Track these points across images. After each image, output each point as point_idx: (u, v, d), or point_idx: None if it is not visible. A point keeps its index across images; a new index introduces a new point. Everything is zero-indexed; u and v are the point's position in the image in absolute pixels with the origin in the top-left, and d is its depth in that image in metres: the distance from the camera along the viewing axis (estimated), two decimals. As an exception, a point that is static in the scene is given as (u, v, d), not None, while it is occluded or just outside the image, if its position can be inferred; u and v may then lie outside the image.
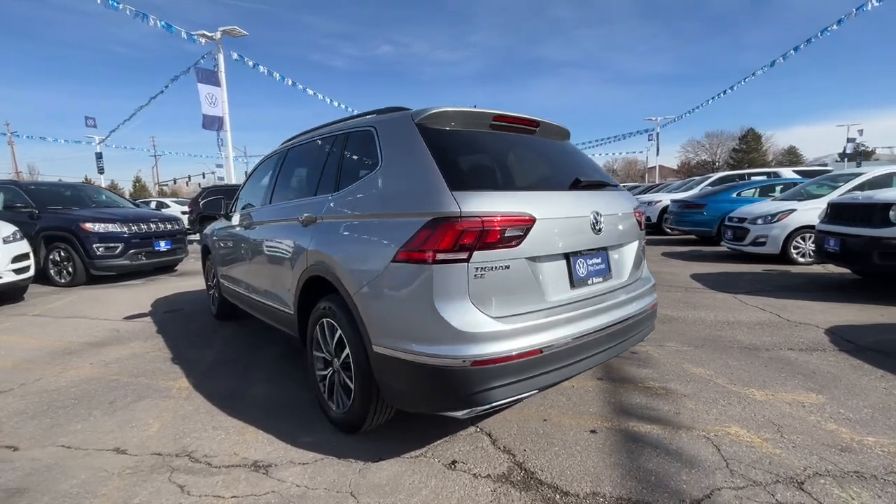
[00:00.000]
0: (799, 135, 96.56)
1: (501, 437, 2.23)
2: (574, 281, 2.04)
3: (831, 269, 6.57)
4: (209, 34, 14.23)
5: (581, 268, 2.09)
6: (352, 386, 2.17)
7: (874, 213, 4.57)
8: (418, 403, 1.92)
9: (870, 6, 13.17)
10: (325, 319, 2.35)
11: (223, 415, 2.56)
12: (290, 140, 3.41)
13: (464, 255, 1.73)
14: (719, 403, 2.51)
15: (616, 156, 65.02)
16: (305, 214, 2.56)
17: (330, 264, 2.22)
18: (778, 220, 6.88)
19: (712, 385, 2.74)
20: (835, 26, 14.35)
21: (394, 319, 1.89)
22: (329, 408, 2.40)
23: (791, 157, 62.52)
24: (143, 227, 7.13)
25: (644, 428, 2.28)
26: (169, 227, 7.58)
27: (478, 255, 1.74)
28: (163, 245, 7.34)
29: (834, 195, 6.33)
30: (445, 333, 1.74)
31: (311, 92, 18.40)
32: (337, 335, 2.25)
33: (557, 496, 1.79)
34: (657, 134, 34.50)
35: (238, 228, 3.65)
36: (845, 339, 3.48)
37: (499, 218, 1.77)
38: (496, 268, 1.77)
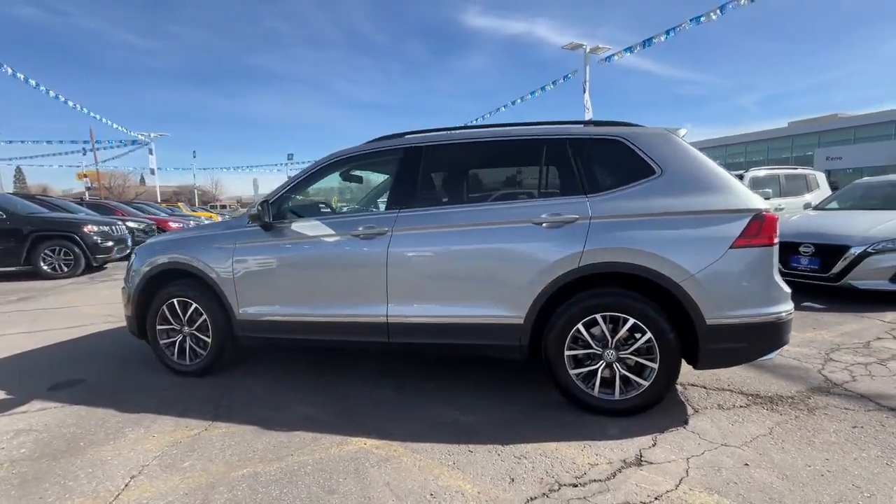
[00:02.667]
0: None
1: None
2: None
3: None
4: None
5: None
6: (654, 366, 2.42)
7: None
8: (752, 354, 2.42)
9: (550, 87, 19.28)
10: (605, 314, 2.45)
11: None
12: (404, 139, 2.99)
13: (776, 238, 2.40)
14: None
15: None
16: (556, 215, 2.52)
17: (642, 260, 2.37)
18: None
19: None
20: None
21: (735, 293, 2.33)
22: (602, 400, 2.50)
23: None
24: None
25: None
26: None
27: (775, 238, 2.44)
28: None
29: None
30: (781, 296, 2.37)
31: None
32: (627, 326, 2.43)
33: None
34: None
35: (339, 238, 2.84)
36: None
37: (771, 211, 2.51)
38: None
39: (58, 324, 4.92)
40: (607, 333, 2.48)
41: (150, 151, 27.63)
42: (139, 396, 2.96)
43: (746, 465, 2.05)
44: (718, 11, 12.13)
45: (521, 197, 2.71)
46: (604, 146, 2.65)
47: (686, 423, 2.44)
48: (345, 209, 4.48)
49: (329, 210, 3.70)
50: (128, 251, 10.02)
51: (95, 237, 8.52)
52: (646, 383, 2.45)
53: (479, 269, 2.66)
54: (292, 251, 2.98)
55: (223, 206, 48.28)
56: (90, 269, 8.76)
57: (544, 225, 2.55)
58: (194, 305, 3.18)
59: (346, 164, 3.16)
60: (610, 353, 2.49)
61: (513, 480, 1.98)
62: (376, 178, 3.87)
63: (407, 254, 2.73)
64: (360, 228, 2.83)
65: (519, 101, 20.82)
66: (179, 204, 25.31)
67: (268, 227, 3.00)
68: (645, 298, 2.44)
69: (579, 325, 2.50)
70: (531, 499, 1.85)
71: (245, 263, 3.04)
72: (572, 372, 2.54)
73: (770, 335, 2.39)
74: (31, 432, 2.51)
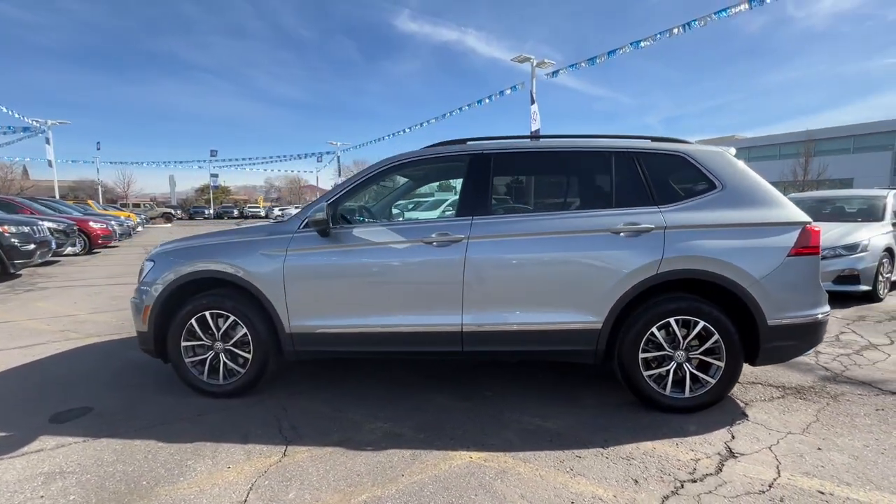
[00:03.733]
0: None
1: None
2: None
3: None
4: None
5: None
6: (721, 364, 2.63)
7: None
8: (797, 351, 2.71)
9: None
10: (678, 318, 2.62)
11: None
12: (467, 145, 2.97)
13: (820, 248, 2.73)
14: None
15: (279, 173, 65.92)
16: (634, 225, 2.65)
17: (713, 266, 2.57)
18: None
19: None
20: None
21: (791, 296, 2.60)
22: (674, 399, 2.66)
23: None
24: None
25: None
26: None
27: (819, 247, 2.76)
28: None
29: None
30: (824, 298, 2.69)
31: None
32: (698, 329, 2.62)
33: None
34: (338, 157, 38.02)
35: (410, 245, 2.73)
36: None
37: (811, 223, 2.83)
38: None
39: (3, 343, 4.16)
40: (679, 336, 2.65)
41: (48, 141, 24.14)
42: (177, 423, 2.61)
43: (819, 449, 2.31)
44: (658, 36, 13.46)
45: (590, 206, 2.80)
46: (668, 161, 2.84)
47: (746, 416, 2.68)
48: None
49: (366, 215, 3.53)
50: (49, 256, 8.71)
51: (13, 239, 7.30)
52: (713, 381, 2.66)
53: (558, 277, 2.71)
54: (356, 258, 2.81)
55: (136, 206, 43.38)
56: (5, 276, 7.47)
57: (622, 234, 2.67)
58: (231, 318, 2.88)
59: (407, 167, 3.06)
60: (680, 354, 2.67)
61: (636, 482, 2.05)
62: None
63: (484, 261, 2.71)
64: (434, 235, 2.75)
65: (466, 107, 21.28)
66: (90, 202, 22.33)
67: (326, 232, 2.81)
68: (712, 303, 2.65)
69: (654, 329, 2.65)
70: (665, 497, 1.94)
71: (299, 272, 2.81)
72: (645, 373, 2.68)
73: (813, 333, 2.72)
74: (67, 475, 2.11)
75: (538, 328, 2.70)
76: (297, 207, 30.70)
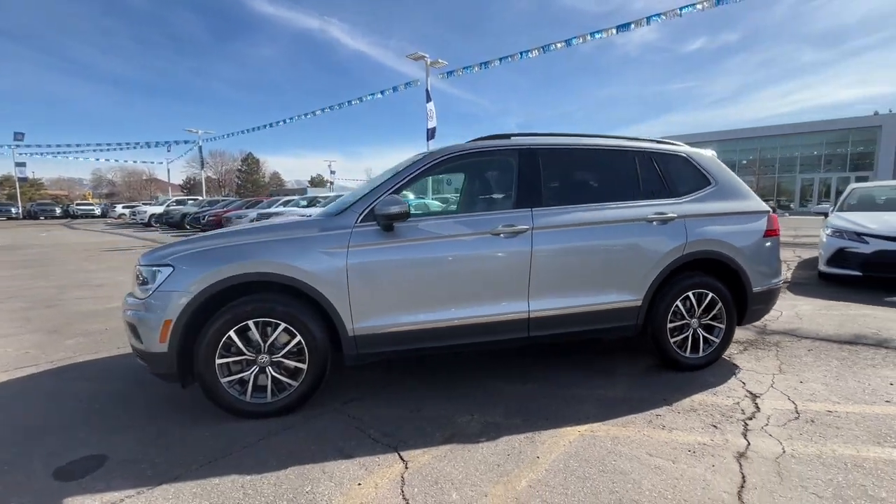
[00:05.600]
0: (282, 163, 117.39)
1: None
2: None
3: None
4: None
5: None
6: (723, 327, 3.24)
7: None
8: (764, 312, 3.44)
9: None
10: (695, 291, 3.14)
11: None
12: (511, 140, 3.10)
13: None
14: None
15: (113, 164, 55.08)
16: (661, 214, 3.07)
17: (718, 247, 3.14)
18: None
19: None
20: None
21: (765, 268, 3.30)
22: (691, 359, 3.19)
23: (276, 181, 75.77)
24: None
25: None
26: None
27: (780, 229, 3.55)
28: None
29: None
30: (781, 270, 3.48)
31: None
32: (707, 299, 3.18)
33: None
34: (200, 147, 33.24)
35: (477, 236, 2.76)
36: None
37: (774, 211, 3.62)
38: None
39: None
40: (695, 306, 3.19)
41: None
42: (244, 452, 2.24)
43: (802, 382, 3.03)
44: (521, 55, 15.48)
45: (623, 198, 3.15)
46: (675, 160, 3.36)
47: (738, 366, 3.34)
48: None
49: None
50: None
51: None
52: (717, 341, 3.26)
53: (607, 262, 3.02)
54: (426, 252, 2.73)
55: None
56: None
57: (654, 223, 3.09)
58: (282, 326, 2.55)
59: (459, 160, 3.03)
60: (695, 322, 3.21)
61: (715, 427, 2.46)
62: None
63: (548, 250, 2.88)
64: (500, 226, 2.82)
65: (357, 101, 20.77)
66: None
67: (391, 227, 2.66)
68: (714, 277, 3.25)
69: (677, 302, 3.15)
70: (744, 433, 2.38)
71: (363, 269, 2.62)
72: (672, 339, 3.16)
73: (774, 298, 3.51)
74: (162, 531, 1.69)
75: (592, 309, 2.98)
76: (170, 205, 26.21)
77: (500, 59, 15.98)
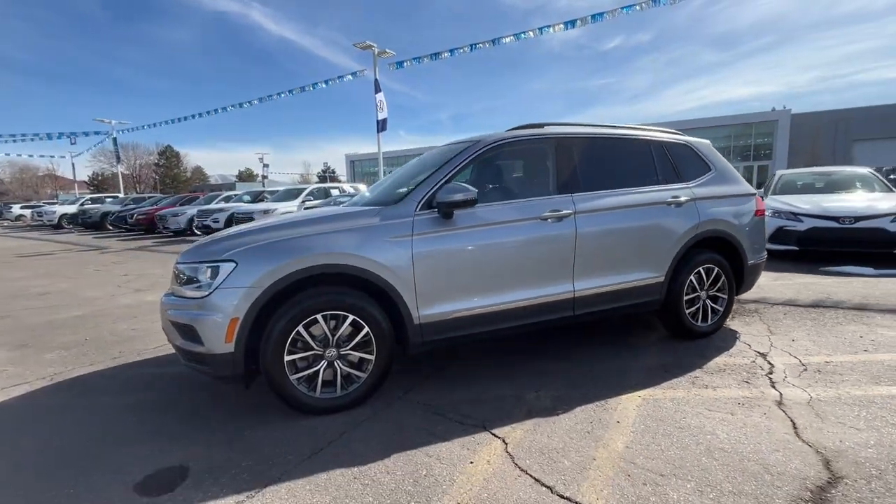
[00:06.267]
0: (205, 157, 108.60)
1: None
2: None
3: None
4: None
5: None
6: (726, 297, 3.64)
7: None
8: (752, 284, 3.87)
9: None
10: (705, 266, 3.50)
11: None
12: (545, 129, 3.25)
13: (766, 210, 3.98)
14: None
15: (4, 157, 47.85)
16: (676, 198, 3.37)
17: (723, 226, 3.51)
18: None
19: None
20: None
21: (755, 244, 3.74)
22: (701, 327, 3.55)
23: (199, 175, 70.59)
24: None
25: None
26: None
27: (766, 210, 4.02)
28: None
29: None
30: (765, 246, 3.96)
31: None
32: (714, 273, 3.56)
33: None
34: (115, 139, 29.70)
35: (528, 222, 2.89)
36: None
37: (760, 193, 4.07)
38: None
39: None
40: (704, 279, 3.56)
41: None
42: (338, 446, 2.20)
43: (794, 341, 3.49)
44: (456, 51, 15.80)
45: (644, 184, 3.40)
46: (681, 148, 3.69)
47: (737, 332, 3.77)
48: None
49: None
50: None
51: None
52: (721, 310, 3.66)
53: (640, 241, 3.28)
54: (484, 238, 2.80)
55: None
56: None
57: (672, 205, 3.39)
58: (351, 317, 2.51)
59: (505, 147, 3.12)
60: (704, 294, 3.58)
61: (748, 382, 2.80)
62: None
63: (588, 232, 3.07)
64: (548, 211, 2.96)
65: (298, 90, 19.87)
66: None
67: (450, 214, 2.70)
68: (718, 253, 3.63)
69: (691, 276, 3.49)
70: (772, 385, 2.73)
71: (428, 256, 2.65)
72: (687, 311, 3.50)
73: (760, 272, 3.98)
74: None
75: (626, 286, 3.23)
76: (85, 203, 23.20)
77: (451, 51, 16.10)
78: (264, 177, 45.49)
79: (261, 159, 47.70)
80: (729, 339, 3.56)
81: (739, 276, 3.74)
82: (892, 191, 7.23)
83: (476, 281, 2.80)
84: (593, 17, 13.89)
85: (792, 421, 2.32)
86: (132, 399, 2.85)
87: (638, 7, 13.21)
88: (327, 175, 66.46)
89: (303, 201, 13.59)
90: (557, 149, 3.19)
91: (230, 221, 14.35)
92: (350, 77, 18.50)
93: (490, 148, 3.04)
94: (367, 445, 2.21)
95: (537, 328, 3.06)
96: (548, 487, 1.86)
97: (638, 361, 3.20)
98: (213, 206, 15.76)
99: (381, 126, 17.54)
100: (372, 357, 2.59)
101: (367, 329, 2.55)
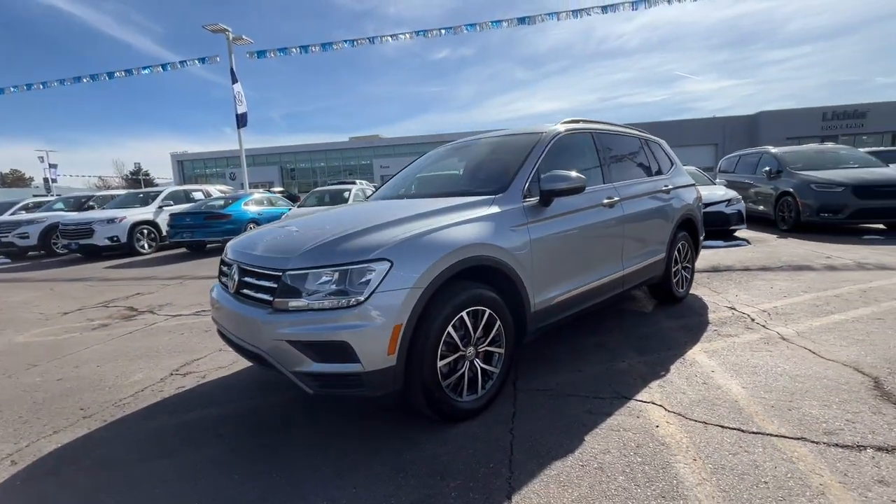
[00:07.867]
0: None
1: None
2: None
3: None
4: None
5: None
6: (691, 266, 4.49)
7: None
8: (697, 255, 4.85)
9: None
10: (682, 243, 4.27)
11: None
12: (580, 124, 3.54)
13: (693, 198, 4.99)
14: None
15: None
16: (665, 187, 4.02)
17: (691, 210, 4.31)
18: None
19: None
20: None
21: (701, 225, 4.71)
22: (682, 294, 4.32)
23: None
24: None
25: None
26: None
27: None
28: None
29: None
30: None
31: None
32: (686, 248, 4.37)
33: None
34: None
35: (588, 211, 3.06)
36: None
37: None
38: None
39: None
40: (684, 252, 4.34)
41: None
42: (526, 441, 2.10)
43: (736, 296, 4.52)
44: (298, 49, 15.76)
45: (646, 175, 3.97)
46: (655, 146, 4.40)
47: (698, 295, 4.67)
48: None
49: None
50: None
51: None
52: (689, 277, 4.52)
53: (655, 224, 3.84)
54: (571, 224, 2.95)
55: None
56: None
57: (665, 193, 4.05)
58: (488, 312, 2.39)
59: (567, 138, 3.28)
60: (680, 266, 4.36)
61: (749, 329, 3.55)
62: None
63: (629, 217, 3.47)
64: (605, 199, 3.25)
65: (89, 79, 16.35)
66: None
67: (549, 201, 2.78)
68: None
69: (675, 252, 4.22)
70: (766, 327, 3.52)
71: (540, 243, 2.68)
72: (674, 280, 4.23)
73: (699, 247, 5.01)
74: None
75: (649, 263, 3.75)
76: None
77: (323, 45, 15.30)
78: (53, 179, 35.67)
79: (44, 158, 37.00)
80: (698, 302, 4.41)
81: (696, 250, 4.65)
82: (713, 183, 9.68)
83: (570, 266, 2.94)
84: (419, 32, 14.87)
85: (806, 349, 3.08)
86: (240, 438, 2.16)
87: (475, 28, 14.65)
88: (140, 178, 55.30)
89: (160, 206, 11.29)
90: (596, 142, 3.52)
91: (46, 235, 11.32)
92: (198, 63, 15.98)
93: (560, 137, 3.20)
94: (552, 437, 2.17)
95: (603, 305, 3.35)
96: (736, 429, 2.14)
97: (661, 326, 3.74)
98: (16, 217, 12.09)
99: (242, 121, 15.71)
100: (501, 350, 2.51)
101: (499, 322, 2.46)
